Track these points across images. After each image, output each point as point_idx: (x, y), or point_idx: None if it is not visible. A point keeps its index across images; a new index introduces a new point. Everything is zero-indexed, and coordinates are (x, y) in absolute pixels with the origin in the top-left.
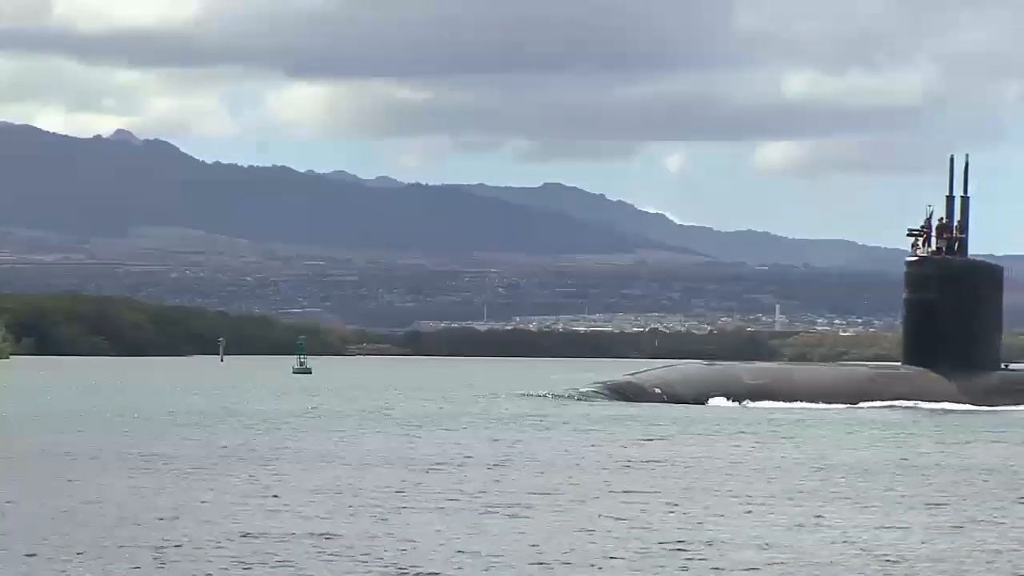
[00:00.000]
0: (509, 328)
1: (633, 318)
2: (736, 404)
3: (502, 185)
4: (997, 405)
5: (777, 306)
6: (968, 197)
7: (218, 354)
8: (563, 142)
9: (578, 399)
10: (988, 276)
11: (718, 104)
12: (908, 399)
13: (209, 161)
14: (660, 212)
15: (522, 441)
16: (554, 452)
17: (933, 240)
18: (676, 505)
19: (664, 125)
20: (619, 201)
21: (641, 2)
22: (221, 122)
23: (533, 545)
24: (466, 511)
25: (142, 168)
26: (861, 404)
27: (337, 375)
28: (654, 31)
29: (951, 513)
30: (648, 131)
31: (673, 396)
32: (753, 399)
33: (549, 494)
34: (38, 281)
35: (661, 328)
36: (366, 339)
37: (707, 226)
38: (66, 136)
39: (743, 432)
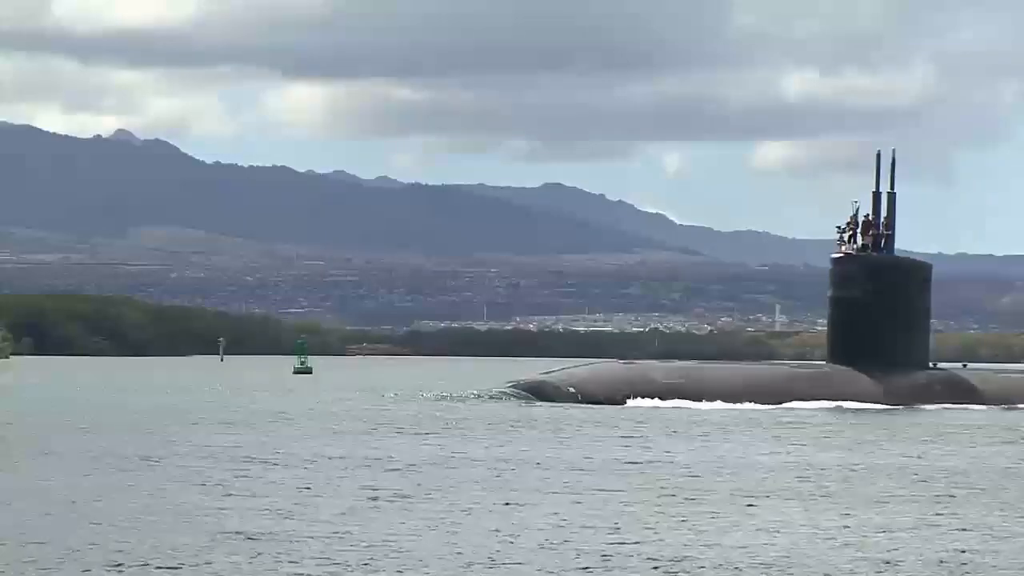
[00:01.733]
0: (509, 328)
1: (633, 318)
2: (650, 403)
3: (502, 185)
4: (924, 405)
5: (777, 306)
6: (895, 193)
7: (218, 354)
8: (563, 142)
9: (490, 399)
10: (915, 273)
11: (718, 104)
12: (831, 399)
13: (209, 161)
14: (660, 212)
15: (381, 444)
16: (396, 453)
17: (859, 237)
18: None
19: (664, 125)
20: (619, 201)
21: (641, 2)
22: (221, 122)
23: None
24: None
25: (142, 168)
26: (782, 404)
27: (337, 375)
28: (654, 31)
29: (850, 513)
30: (648, 131)
31: (586, 395)
32: (668, 398)
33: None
34: (38, 281)
35: (661, 328)
36: (366, 339)
37: (707, 226)
38: (66, 136)
39: (617, 430)
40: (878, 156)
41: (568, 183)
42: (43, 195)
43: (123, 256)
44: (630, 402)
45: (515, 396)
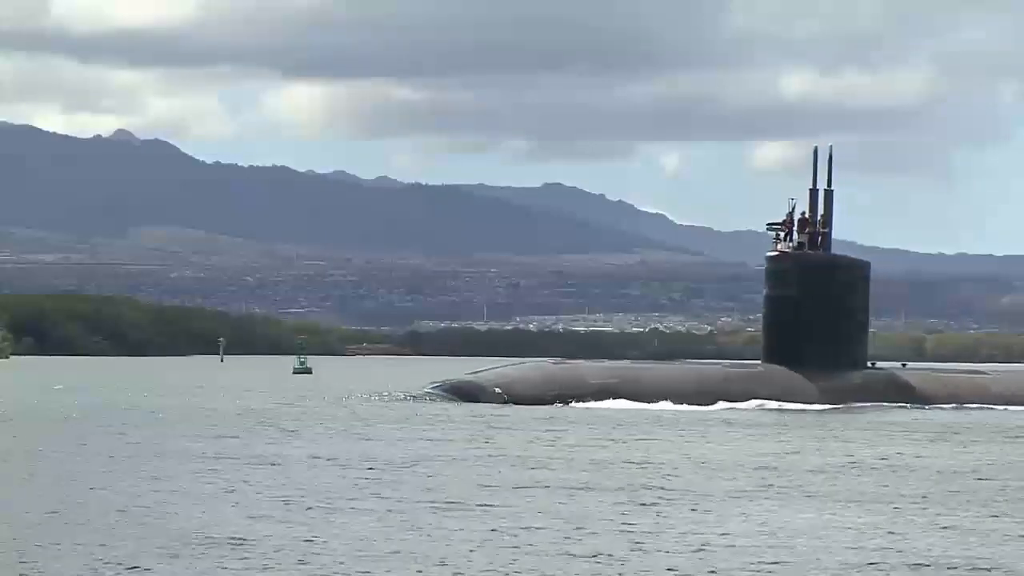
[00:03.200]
0: (509, 328)
1: (633, 318)
2: (578, 404)
3: (502, 185)
4: (860, 405)
5: None
6: (832, 190)
7: (218, 354)
8: (563, 142)
9: (415, 399)
10: (852, 272)
11: (717, 104)
12: (766, 399)
13: (209, 161)
14: (660, 212)
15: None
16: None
17: (795, 234)
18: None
19: (664, 125)
20: (619, 201)
21: (640, 3)
22: (221, 122)
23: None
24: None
25: (142, 168)
26: (716, 405)
27: (336, 375)
28: (654, 31)
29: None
30: (648, 131)
31: (514, 396)
32: (600, 399)
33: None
34: (38, 281)
35: (661, 328)
36: (366, 339)
37: (707, 226)
38: (66, 136)
39: (533, 430)
40: (815, 153)
41: (568, 183)
42: (43, 195)
43: (123, 256)
44: (560, 404)
45: (440, 397)
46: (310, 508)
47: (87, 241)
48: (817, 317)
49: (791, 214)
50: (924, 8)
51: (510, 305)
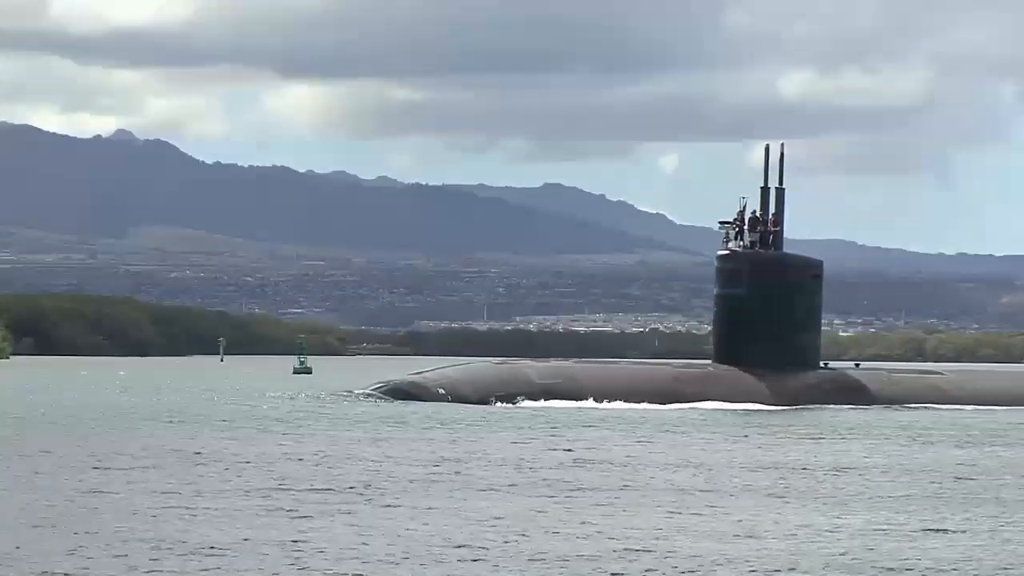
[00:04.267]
0: (509, 328)
1: (633, 318)
2: (523, 404)
3: (502, 185)
4: (812, 405)
5: None
6: (783, 188)
7: (218, 354)
8: (563, 142)
9: (359, 399)
10: (804, 270)
11: (717, 105)
12: (716, 400)
13: (209, 161)
14: (660, 212)
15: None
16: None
17: (746, 233)
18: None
19: (664, 125)
20: (619, 201)
21: (639, 3)
22: (220, 122)
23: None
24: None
25: (142, 168)
26: (664, 405)
27: (336, 375)
28: (654, 31)
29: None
30: (648, 131)
31: (457, 396)
32: (543, 399)
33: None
34: (38, 281)
35: (661, 328)
36: (366, 339)
37: (707, 226)
38: (66, 136)
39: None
40: (766, 151)
41: (568, 183)
42: (43, 195)
43: (123, 256)
44: (501, 404)
45: (383, 397)
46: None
47: (87, 241)
48: (768, 317)
49: (742, 212)
50: (922, 8)
51: (510, 305)
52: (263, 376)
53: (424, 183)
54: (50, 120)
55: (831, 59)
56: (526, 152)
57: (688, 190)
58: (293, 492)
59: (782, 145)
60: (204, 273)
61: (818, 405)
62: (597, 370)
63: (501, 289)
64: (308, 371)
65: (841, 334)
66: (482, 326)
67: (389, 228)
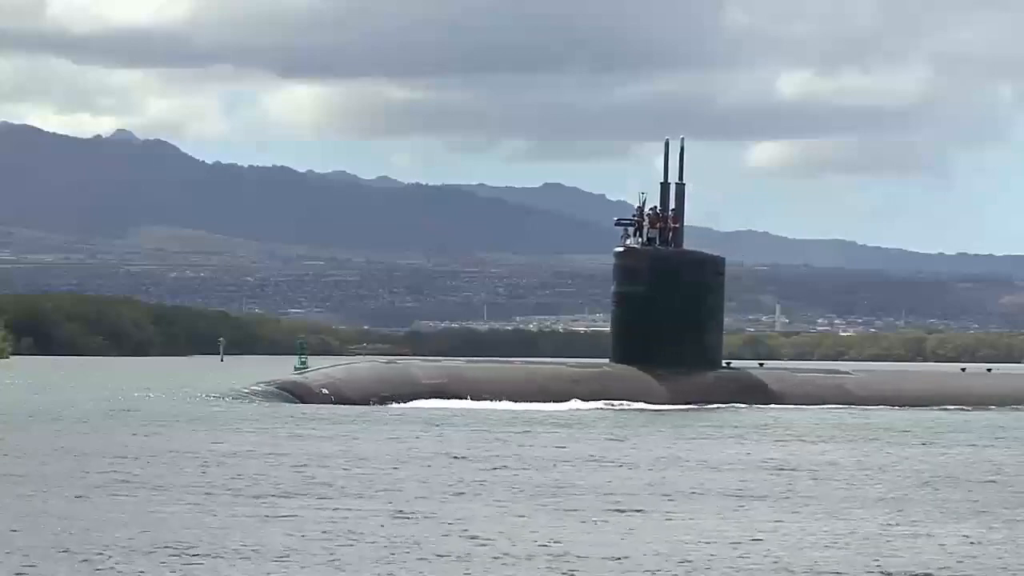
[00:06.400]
0: (509, 328)
1: None
2: (409, 404)
3: (502, 185)
4: (711, 405)
5: (777, 306)
6: (684, 184)
7: (218, 354)
8: (563, 142)
9: (239, 399)
10: (704, 268)
11: (717, 104)
12: (612, 399)
13: (209, 161)
14: None
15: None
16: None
17: (645, 230)
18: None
19: (664, 125)
20: (619, 201)
21: (638, 3)
22: (220, 122)
23: None
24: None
25: (142, 168)
26: (557, 405)
27: None
28: (653, 31)
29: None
30: (648, 131)
31: (340, 397)
32: (430, 399)
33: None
34: (38, 281)
35: None
36: (366, 339)
37: (707, 226)
38: (66, 136)
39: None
40: (666, 145)
41: (568, 183)
42: (43, 195)
43: (123, 256)
44: (386, 404)
45: (265, 397)
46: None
47: (87, 241)
48: (667, 315)
49: (641, 208)
50: (922, 8)
51: (510, 305)
52: (261, 376)
53: (424, 183)
54: (50, 120)
55: (831, 59)
56: (526, 152)
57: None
58: (141, 487)
59: (682, 140)
60: (204, 273)
61: (717, 405)
62: (488, 370)
63: (501, 289)
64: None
65: (841, 334)
66: (482, 326)
67: (389, 228)
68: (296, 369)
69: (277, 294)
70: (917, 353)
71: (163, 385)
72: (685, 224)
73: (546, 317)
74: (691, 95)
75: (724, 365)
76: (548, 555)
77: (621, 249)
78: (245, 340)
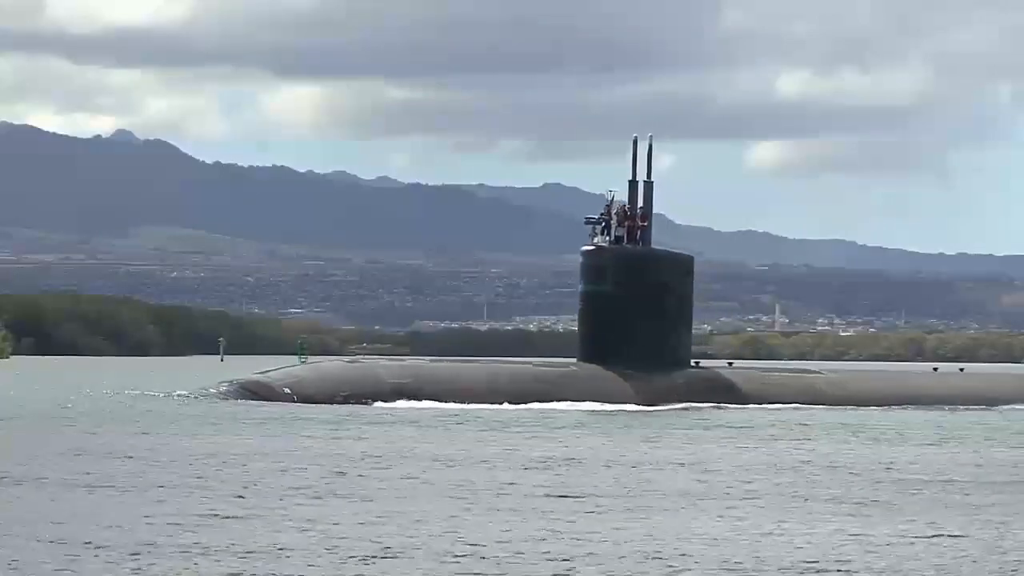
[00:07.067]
0: (509, 328)
1: None
2: (370, 404)
3: (502, 185)
4: (679, 405)
5: (777, 306)
6: (652, 182)
7: (218, 354)
8: (563, 142)
9: (195, 398)
10: (671, 266)
11: (714, 104)
12: (578, 400)
13: (209, 161)
14: (660, 212)
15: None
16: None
17: (613, 228)
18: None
19: (664, 125)
20: (619, 201)
21: (637, 3)
22: (220, 122)
23: None
24: None
25: (142, 168)
26: (523, 406)
27: None
28: (652, 31)
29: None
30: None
31: (303, 396)
32: (394, 399)
33: None
34: (38, 281)
35: None
36: (366, 339)
37: (707, 226)
38: (66, 136)
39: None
40: (634, 143)
41: (568, 183)
42: (43, 195)
43: (123, 256)
44: (351, 404)
45: (228, 396)
46: None
47: (87, 241)
48: (635, 314)
49: (609, 206)
50: (921, 8)
51: (510, 305)
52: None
53: (424, 183)
54: (49, 120)
55: (829, 59)
56: (526, 152)
57: (686, 190)
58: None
59: (650, 137)
60: (204, 273)
61: (685, 405)
62: (453, 369)
63: (501, 289)
64: None
65: (841, 334)
66: (482, 326)
67: (389, 228)
68: None
69: (277, 294)
70: (917, 353)
71: (126, 384)
72: (685, 224)
73: (546, 317)
74: (691, 95)
75: (693, 365)
76: (481, 556)
77: (588, 248)
78: (245, 340)
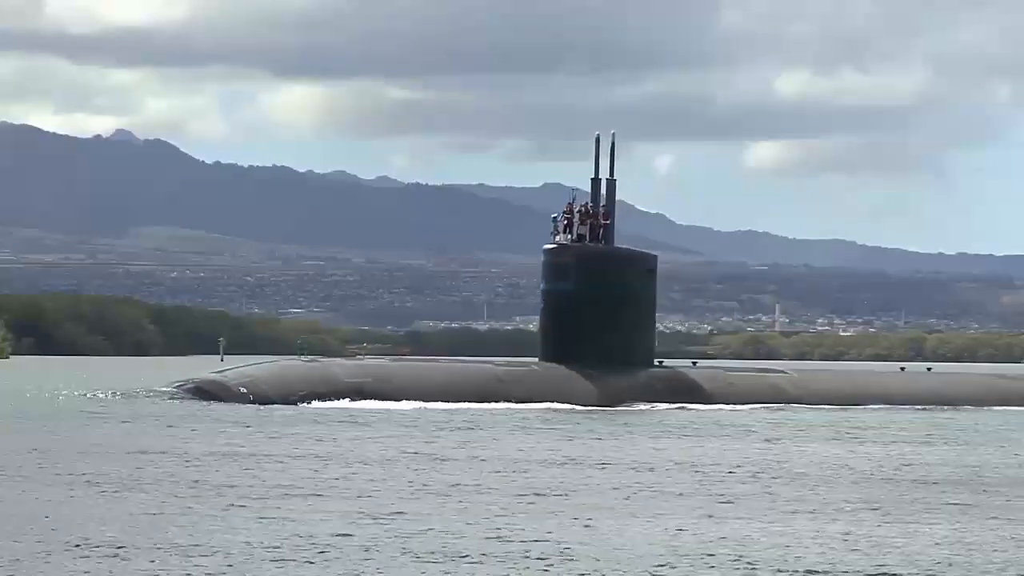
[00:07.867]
0: (509, 328)
1: None
2: (329, 404)
3: (502, 185)
4: (641, 405)
5: (777, 306)
6: (615, 180)
7: (218, 354)
8: (562, 142)
9: (147, 398)
10: (633, 265)
11: (713, 105)
12: (539, 400)
13: (209, 161)
14: (660, 212)
15: None
16: None
17: (576, 226)
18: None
19: (664, 125)
20: (619, 201)
21: (637, 3)
22: (220, 122)
23: None
24: None
25: (142, 168)
26: (484, 405)
27: None
28: (651, 31)
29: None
30: (648, 131)
31: (258, 396)
32: (353, 399)
33: None
34: (38, 281)
35: (661, 328)
36: (366, 339)
37: (707, 226)
38: (66, 136)
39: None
40: (597, 140)
41: (568, 183)
42: (43, 195)
43: (123, 256)
44: (307, 403)
45: (183, 396)
46: None
47: (87, 241)
48: (597, 313)
49: (571, 205)
50: (920, 8)
51: (510, 305)
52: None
53: (424, 183)
54: (49, 120)
55: (828, 59)
56: (526, 152)
57: (686, 190)
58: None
59: (613, 135)
60: (204, 273)
61: (646, 405)
62: (413, 369)
63: (501, 289)
64: None
65: (841, 334)
66: (482, 326)
67: (389, 228)
68: None
69: (277, 294)
70: (917, 353)
71: (88, 384)
72: (686, 224)
73: None
74: (690, 95)
75: (657, 364)
76: (451, 554)
77: (550, 246)
78: (245, 340)
